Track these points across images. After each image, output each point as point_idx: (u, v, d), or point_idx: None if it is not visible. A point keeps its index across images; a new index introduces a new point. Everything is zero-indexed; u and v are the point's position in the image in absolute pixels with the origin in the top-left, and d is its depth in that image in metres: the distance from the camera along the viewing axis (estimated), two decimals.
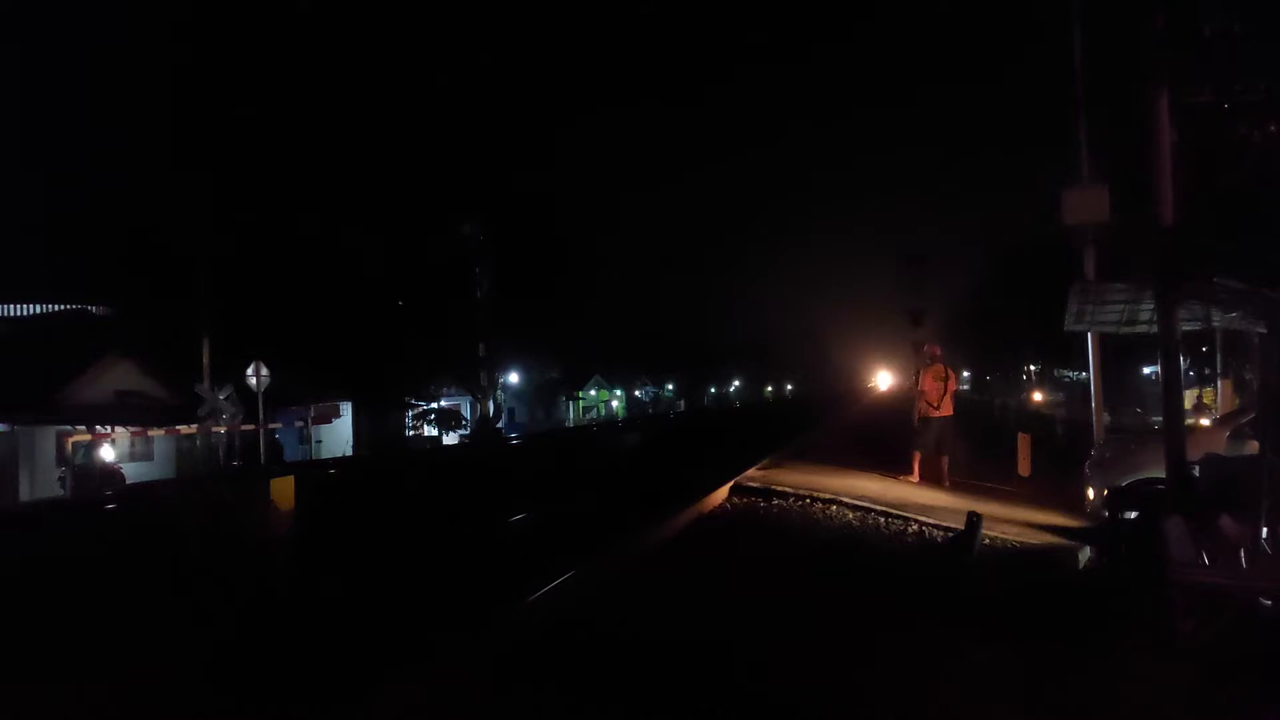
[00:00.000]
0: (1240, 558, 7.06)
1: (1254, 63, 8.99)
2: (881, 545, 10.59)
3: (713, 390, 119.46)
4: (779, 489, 13.34)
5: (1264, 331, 9.72)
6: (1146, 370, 35.36)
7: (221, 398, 27.22)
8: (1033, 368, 56.29)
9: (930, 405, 14.85)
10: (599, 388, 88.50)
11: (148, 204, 41.48)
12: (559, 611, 7.49)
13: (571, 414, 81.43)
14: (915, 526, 11.34)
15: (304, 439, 39.56)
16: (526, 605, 7.61)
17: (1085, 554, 9.76)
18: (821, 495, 12.80)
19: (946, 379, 15.09)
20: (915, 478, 15.01)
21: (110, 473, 27.08)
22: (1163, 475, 8.96)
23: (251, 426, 29.13)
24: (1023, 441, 17.25)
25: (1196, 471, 8.45)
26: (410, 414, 50.67)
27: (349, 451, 41.12)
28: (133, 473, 29.32)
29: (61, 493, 26.22)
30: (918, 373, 15.99)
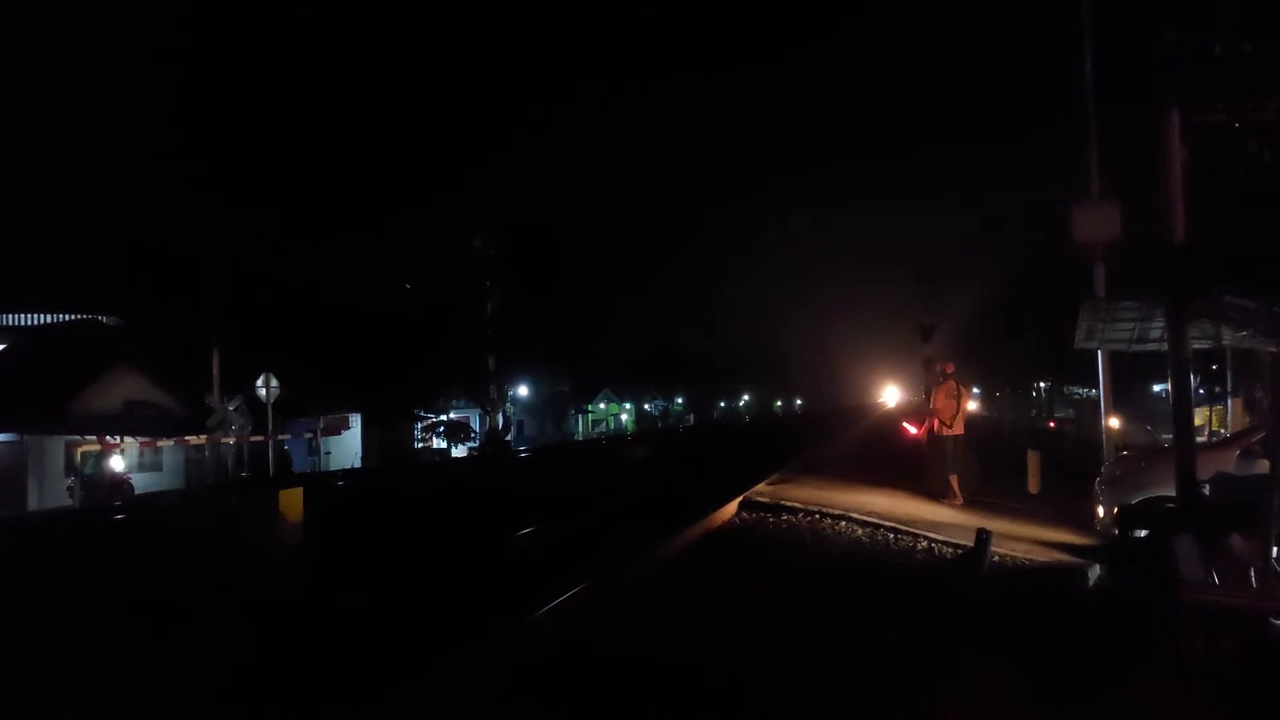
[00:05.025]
0: (1251, 577, 7.03)
1: (1266, 81, 8.98)
2: (891, 562, 10.56)
3: (722, 404, 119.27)
4: (788, 504, 13.33)
5: (1275, 350, 9.70)
6: (1156, 388, 35.20)
7: (231, 409, 27.23)
8: (1042, 384, 56.07)
9: (944, 424, 14.80)
10: (608, 401, 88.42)
11: (159, 214, 41.80)
12: (563, 629, 7.48)
13: (580, 427, 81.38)
14: (924, 543, 11.31)
15: (313, 450, 39.57)
16: (530, 622, 7.59)
17: (1095, 572, 9.72)
18: (831, 511, 12.79)
19: (959, 396, 15.06)
20: (959, 500, 14.85)
21: (119, 483, 27.12)
22: (1173, 493, 8.92)
23: (260, 438, 29.15)
24: (1032, 459, 17.20)
25: (1207, 490, 8.42)
26: (419, 426, 50.69)
27: (358, 463, 41.13)
28: (141, 483, 29.39)
29: (70, 502, 26.25)
30: (928, 390, 15.96)
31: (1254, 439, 11.04)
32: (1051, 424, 45.72)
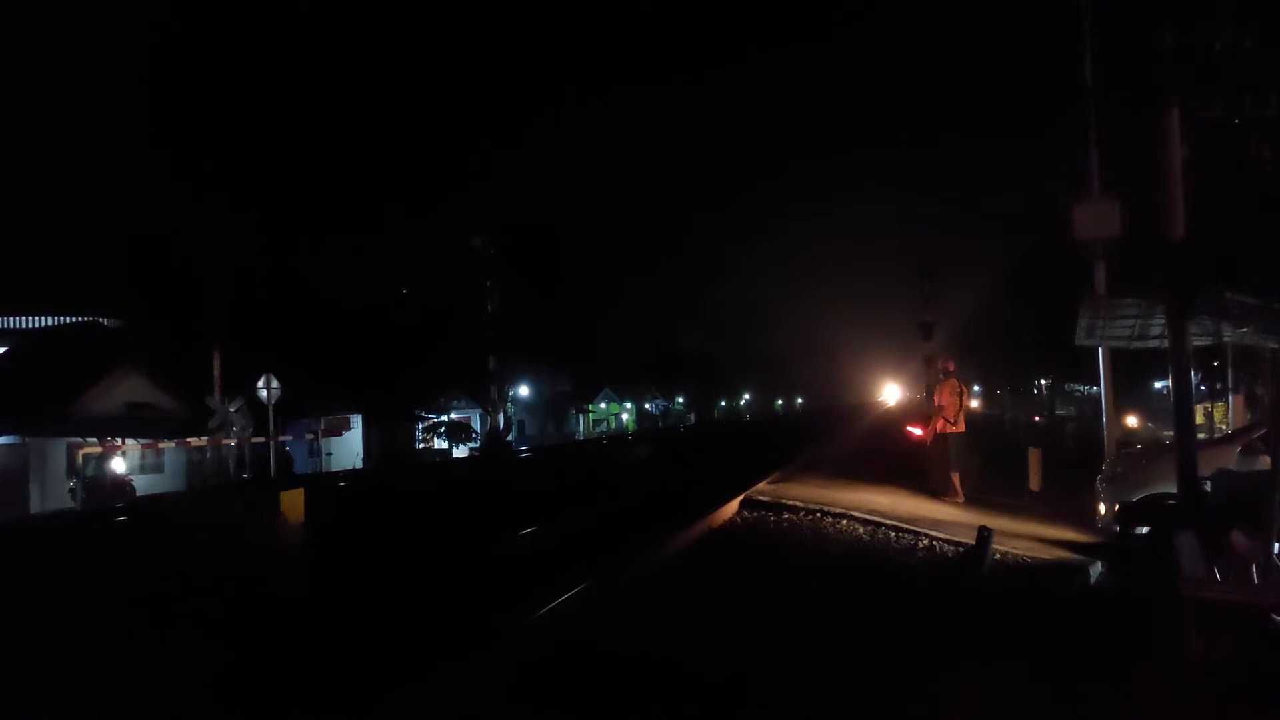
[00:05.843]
0: (1252, 573, 7.03)
1: (1265, 78, 8.98)
2: (892, 560, 10.55)
3: (723, 403, 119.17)
4: (789, 503, 13.32)
5: (1276, 346, 9.70)
6: (1158, 385, 35.19)
7: (232, 410, 27.24)
8: (1043, 381, 56.08)
9: (948, 422, 14.78)
10: (609, 401, 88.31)
11: (159, 215, 41.87)
12: (565, 628, 7.49)
13: (581, 427, 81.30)
14: (926, 541, 11.30)
15: (314, 451, 39.60)
16: (532, 621, 7.59)
17: (1096, 569, 9.72)
18: (832, 509, 12.78)
19: (961, 394, 15.04)
20: (960, 498, 14.83)
21: (121, 485, 27.10)
22: (1174, 490, 8.93)
23: (262, 439, 29.14)
24: (1033, 456, 17.20)
25: (1208, 487, 8.42)
26: (420, 426, 50.70)
27: (359, 464, 41.11)
28: (143, 485, 29.37)
29: (72, 505, 26.26)
30: (929, 389, 15.92)
31: (1255, 435, 11.06)
32: (1035, 418, 45.93)
